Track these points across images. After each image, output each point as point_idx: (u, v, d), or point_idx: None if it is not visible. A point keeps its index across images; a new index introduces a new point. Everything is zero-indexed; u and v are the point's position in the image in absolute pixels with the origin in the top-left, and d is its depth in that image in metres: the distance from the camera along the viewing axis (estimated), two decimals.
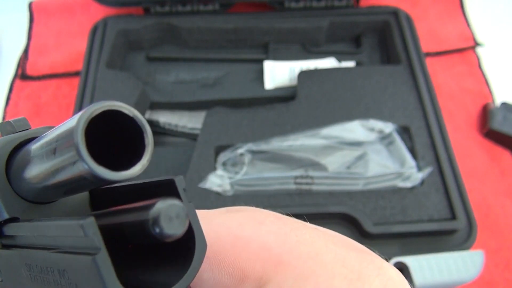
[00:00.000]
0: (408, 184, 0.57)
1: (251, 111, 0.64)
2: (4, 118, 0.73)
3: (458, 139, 0.70)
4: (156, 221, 0.12)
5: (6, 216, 0.17)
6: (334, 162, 0.59)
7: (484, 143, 0.70)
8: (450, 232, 0.55)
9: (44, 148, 0.14)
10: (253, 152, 0.60)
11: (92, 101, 0.65)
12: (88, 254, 0.13)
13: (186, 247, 0.15)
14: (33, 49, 0.80)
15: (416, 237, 0.55)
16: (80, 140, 0.12)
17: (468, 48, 0.79)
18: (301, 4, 0.75)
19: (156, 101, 0.69)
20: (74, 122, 0.12)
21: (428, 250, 0.53)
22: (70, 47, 0.80)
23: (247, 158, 0.60)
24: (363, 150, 0.60)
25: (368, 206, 0.56)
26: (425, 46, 0.74)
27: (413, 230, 0.55)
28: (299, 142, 0.60)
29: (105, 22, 0.74)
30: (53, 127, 0.17)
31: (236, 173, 0.59)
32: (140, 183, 0.16)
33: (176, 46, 0.76)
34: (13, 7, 0.86)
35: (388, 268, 0.18)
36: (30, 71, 0.77)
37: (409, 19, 0.74)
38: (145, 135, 0.13)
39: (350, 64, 0.73)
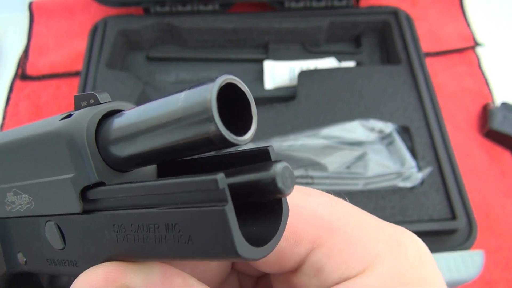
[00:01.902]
0: (408, 184, 0.57)
1: None
2: (4, 118, 0.73)
3: (458, 139, 0.70)
4: (276, 179, 0.15)
5: (96, 179, 0.18)
6: (334, 162, 0.59)
7: (484, 143, 0.70)
8: (450, 232, 0.55)
9: (151, 115, 0.16)
10: None
11: None
12: (215, 206, 0.14)
13: (274, 209, 0.17)
14: (33, 49, 0.80)
15: None
16: (214, 106, 0.14)
17: (468, 48, 0.79)
18: (301, 4, 0.75)
19: None
20: (204, 92, 0.14)
21: None
22: (70, 47, 0.80)
23: None
24: (363, 150, 0.59)
25: (368, 206, 0.56)
26: (425, 46, 0.74)
27: (413, 230, 0.54)
28: (299, 142, 0.60)
29: (105, 22, 0.73)
30: (129, 104, 0.19)
31: None
32: (231, 153, 0.18)
33: (176, 46, 0.76)
34: (13, 7, 0.86)
35: (417, 238, 0.21)
36: (30, 71, 0.77)
37: (409, 19, 0.74)
38: (252, 107, 0.15)
39: (350, 64, 0.73)
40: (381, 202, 0.56)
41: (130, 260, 0.18)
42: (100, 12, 0.82)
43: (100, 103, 0.19)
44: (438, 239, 0.55)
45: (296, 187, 0.21)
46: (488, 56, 0.79)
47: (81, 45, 0.77)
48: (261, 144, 0.60)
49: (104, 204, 0.18)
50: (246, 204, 0.17)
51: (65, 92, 0.75)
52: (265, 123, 0.63)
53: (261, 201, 0.17)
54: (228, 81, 0.15)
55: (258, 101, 0.68)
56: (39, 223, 0.21)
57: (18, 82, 0.77)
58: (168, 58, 0.75)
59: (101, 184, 0.18)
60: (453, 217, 0.55)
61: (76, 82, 0.75)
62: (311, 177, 0.58)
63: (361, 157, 0.59)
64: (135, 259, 0.18)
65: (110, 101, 0.19)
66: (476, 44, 0.80)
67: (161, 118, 0.16)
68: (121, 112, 0.18)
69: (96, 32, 0.73)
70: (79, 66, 0.76)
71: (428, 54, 0.78)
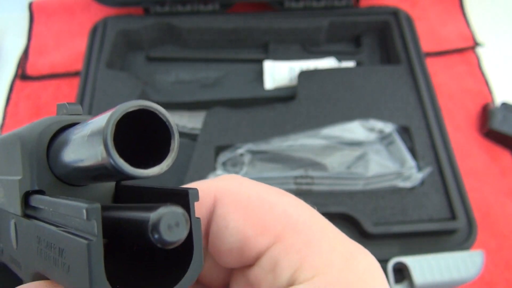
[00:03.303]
0: (408, 184, 0.57)
1: (251, 111, 0.64)
2: (4, 118, 0.73)
3: (458, 139, 0.70)
4: (155, 225, 0.12)
5: (35, 187, 0.18)
6: (334, 162, 0.59)
7: (484, 143, 0.70)
8: (450, 232, 0.55)
9: (78, 134, 0.15)
10: (253, 152, 0.60)
11: (92, 101, 0.65)
12: (85, 239, 0.13)
13: (183, 259, 0.15)
14: (33, 49, 0.80)
15: (416, 237, 0.55)
16: (109, 132, 0.13)
17: (468, 48, 0.79)
18: (301, 4, 0.75)
19: (156, 101, 0.68)
20: (107, 115, 0.13)
21: (428, 250, 0.53)
22: (70, 47, 0.80)
23: (247, 158, 0.60)
24: (363, 150, 0.60)
25: (368, 206, 0.56)
26: (425, 46, 0.74)
27: (413, 230, 0.55)
28: (299, 142, 0.60)
29: (105, 22, 0.73)
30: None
31: (236, 173, 0.59)
32: (159, 188, 0.17)
33: (176, 46, 0.76)
34: (13, 7, 0.86)
35: (371, 255, 0.22)
36: (30, 71, 0.77)
37: (409, 19, 0.74)
38: (172, 140, 0.14)
39: (350, 64, 0.73)
40: (381, 202, 0.56)
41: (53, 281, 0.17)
42: (100, 12, 0.82)
43: (65, 113, 0.19)
44: (438, 239, 0.55)
45: (275, 188, 0.23)
46: (488, 56, 0.79)
47: (81, 45, 0.77)
48: (261, 145, 0.60)
49: (37, 213, 0.18)
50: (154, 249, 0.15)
51: (65, 92, 0.75)
52: (265, 123, 0.63)
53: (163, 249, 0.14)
54: (140, 107, 0.13)
55: (258, 101, 0.68)
56: (9, 218, 0.21)
57: (18, 82, 0.77)
58: (168, 58, 0.75)
59: (41, 192, 0.18)
60: (453, 217, 0.55)
61: (76, 82, 0.75)
62: (311, 177, 0.58)
63: (361, 157, 0.59)
64: (52, 279, 0.17)
65: (78, 114, 0.19)
66: (476, 44, 0.80)
67: (75, 141, 0.16)
68: (71, 127, 0.18)
69: (96, 32, 0.73)
70: (79, 66, 0.76)
71: (428, 54, 0.78)
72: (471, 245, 0.54)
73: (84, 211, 0.13)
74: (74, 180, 0.18)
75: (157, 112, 0.14)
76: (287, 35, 0.74)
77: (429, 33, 0.81)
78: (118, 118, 0.13)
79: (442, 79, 0.76)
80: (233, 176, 0.23)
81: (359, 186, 0.57)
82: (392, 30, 0.72)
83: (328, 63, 0.72)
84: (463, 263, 0.52)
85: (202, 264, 0.16)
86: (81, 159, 0.15)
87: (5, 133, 0.22)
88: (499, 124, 0.68)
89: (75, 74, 0.76)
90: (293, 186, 0.58)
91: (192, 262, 0.15)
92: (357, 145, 0.60)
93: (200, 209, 0.21)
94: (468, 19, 0.83)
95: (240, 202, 0.21)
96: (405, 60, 0.69)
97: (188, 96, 0.69)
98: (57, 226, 0.16)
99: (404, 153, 0.59)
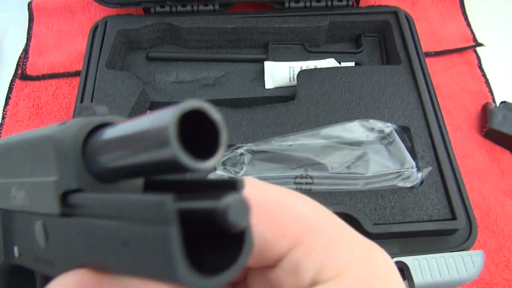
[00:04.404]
0: (408, 184, 0.57)
1: (251, 111, 0.64)
2: (4, 118, 0.73)
3: (458, 139, 0.70)
4: (226, 210, 0.14)
5: (75, 186, 0.19)
6: (334, 162, 0.59)
7: (484, 143, 0.70)
8: (450, 232, 0.55)
9: (130, 131, 0.16)
10: (253, 152, 0.60)
11: (92, 101, 0.65)
12: (160, 227, 0.14)
13: (236, 242, 0.16)
14: (33, 49, 0.80)
15: (416, 237, 0.55)
16: (174, 128, 0.14)
17: (468, 48, 0.79)
18: (301, 4, 0.75)
19: (156, 101, 0.69)
20: (169, 112, 0.14)
21: (428, 250, 0.53)
22: (70, 47, 0.80)
23: (247, 158, 0.60)
24: (363, 150, 0.59)
25: (368, 206, 0.56)
26: (425, 46, 0.74)
27: (413, 230, 0.55)
28: (299, 142, 0.60)
29: (105, 22, 0.73)
30: (122, 118, 0.20)
31: (236, 173, 0.59)
32: (193, 180, 0.18)
33: (176, 46, 0.76)
34: (13, 7, 0.86)
35: (385, 252, 0.22)
36: (30, 71, 0.77)
37: (409, 19, 0.74)
38: (221, 135, 0.15)
39: (350, 64, 0.73)
40: (381, 202, 0.56)
41: (99, 270, 0.18)
42: (100, 12, 0.83)
43: (95, 115, 0.20)
44: (438, 239, 0.55)
45: (291, 191, 0.23)
46: (488, 56, 0.79)
47: (81, 45, 0.77)
48: (261, 145, 0.60)
49: (80, 211, 0.18)
50: (207, 233, 0.17)
51: (65, 92, 0.75)
52: (265, 123, 0.63)
53: (221, 232, 0.16)
54: (195, 108, 0.15)
55: (258, 101, 0.68)
56: (31, 220, 0.22)
57: (18, 82, 0.77)
58: (168, 58, 0.75)
59: (80, 190, 0.19)
60: (453, 217, 0.55)
61: (76, 82, 0.75)
62: (311, 177, 0.58)
63: (361, 157, 0.59)
64: (101, 269, 0.18)
65: (106, 115, 0.20)
66: (476, 44, 0.80)
67: (128, 138, 0.16)
68: (108, 126, 0.19)
69: (96, 32, 0.73)
70: (79, 66, 0.76)
71: (428, 54, 0.78)
72: (471, 245, 0.54)
73: (163, 202, 0.14)
74: (113, 177, 0.19)
75: (209, 113, 0.15)
76: (287, 35, 0.74)
77: (429, 33, 0.81)
78: (181, 115, 0.14)
79: (442, 79, 0.76)
80: (251, 180, 0.23)
81: (358, 186, 0.57)
82: (392, 30, 0.72)
83: (328, 63, 0.72)
84: (463, 263, 0.52)
85: (254, 245, 0.16)
86: (134, 155, 0.16)
87: (18, 135, 0.22)
88: (499, 124, 0.68)
89: (75, 74, 0.77)
90: (293, 186, 0.58)
91: (246, 242, 0.16)
92: (357, 145, 0.60)
93: None
94: (468, 19, 0.83)
95: (259, 206, 0.21)
96: (405, 60, 0.69)
97: (188, 96, 0.69)
98: (115, 219, 0.16)
99: (404, 153, 0.59)
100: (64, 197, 0.19)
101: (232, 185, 0.17)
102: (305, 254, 0.21)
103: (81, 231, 0.18)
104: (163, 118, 0.14)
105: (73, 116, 0.65)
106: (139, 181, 0.21)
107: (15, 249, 0.24)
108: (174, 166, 0.15)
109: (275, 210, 0.21)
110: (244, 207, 0.15)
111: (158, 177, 0.19)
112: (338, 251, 0.21)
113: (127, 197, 0.16)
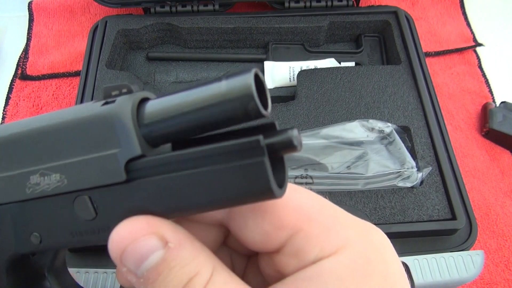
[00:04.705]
0: (408, 184, 0.57)
1: None
2: (4, 118, 0.73)
3: (458, 139, 0.70)
4: (292, 139, 0.20)
5: (140, 152, 0.21)
6: (334, 162, 0.59)
7: (484, 143, 0.70)
8: (450, 232, 0.55)
9: (211, 97, 0.20)
10: None
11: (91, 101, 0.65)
12: (256, 159, 0.19)
13: (281, 162, 0.22)
14: (33, 49, 0.80)
15: (416, 237, 0.55)
16: (254, 87, 0.19)
17: (468, 48, 0.79)
18: (301, 4, 0.75)
19: None
20: (247, 78, 0.19)
21: (428, 250, 0.53)
22: (70, 47, 0.80)
23: None
24: (363, 150, 0.59)
25: (368, 206, 0.56)
26: (425, 46, 0.74)
27: (413, 230, 0.54)
28: None
29: (105, 22, 0.73)
30: (153, 94, 0.23)
31: None
32: (228, 131, 0.22)
33: (176, 46, 0.76)
34: (13, 7, 0.86)
35: (380, 230, 0.25)
36: (30, 71, 0.77)
37: (409, 19, 0.74)
38: (267, 90, 0.21)
39: (350, 64, 0.73)
40: (381, 202, 0.56)
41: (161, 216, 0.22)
42: (100, 12, 0.83)
43: (133, 92, 0.23)
44: (438, 239, 0.55)
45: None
46: (488, 56, 0.79)
47: (81, 45, 0.77)
48: None
49: (146, 172, 0.21)
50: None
51: (65, 92, 0.75)
52: None
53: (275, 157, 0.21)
54: (256, 72, 0.20)
55: None
56: (66, 199, 0.23)
57: (18, 82, 0.77)
58: (168, 58, 0.75)
59: (142, 156, 0.22)
60: (453, 217, 0.55)
61: (76, 82, 0.76)
62: (311, 177, 0.58)
63: (361, 157, 0.59)
64: (167, 215, 0.22)
65: (142, 91, 0.23)
66: (476, 44, 0.80)
67: (206, 99, 0.20)
68: (160, 97, 0.22)
69: (96, 32, 0.73)
70: (79, 66, 0.76)
71: (428, 54, 0.78)
72: (471, 245, 0.54)
73: (259, 140, 0.19)
74: (162, 141, 0.22)
75: (259, 74, 0.20)
76: (287, 35, 0.74)
77: (429, 33, 0.81)
78: (255, 76, 0.20)
79: (442, 79, 0.76)
80: None
81: (358, 186, 0.57)
82: (392, 30, 0.72)
83: (328, 63, 0.73)
84: (463, 263, 0.52)
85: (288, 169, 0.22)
86: (204, 114, 0.20)
87: (63, 120, 0.24)
88: (499, 124, 0.68)
89: (75, 74, 0.77)
90: None
91: (285, 161, 0.22)
92: (357, 145, 0.60)
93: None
94: (468, 19, 0.83)
95: (257, 203, 0.23)
96: (405, 60, 0.69)
97: None
98: (192, 169, 0.20)
99: (404, 153, 0.59)
100: (127, 165, 0.21)
101: (269, 126, 0.22)
102: (304, 240, 0.23)
103: (149, 188, 0.21)
104: (244, 80, 0.19)
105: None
106: (168, 145, 0.24)
107: (33, 237, 0.25)
108: (251, 115, 0.19)
109: (271, 204, 0.23)
110: (299, 136, 0.20)
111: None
112: (335, 232, 0.23)
113: (215, 146, 0.20)
